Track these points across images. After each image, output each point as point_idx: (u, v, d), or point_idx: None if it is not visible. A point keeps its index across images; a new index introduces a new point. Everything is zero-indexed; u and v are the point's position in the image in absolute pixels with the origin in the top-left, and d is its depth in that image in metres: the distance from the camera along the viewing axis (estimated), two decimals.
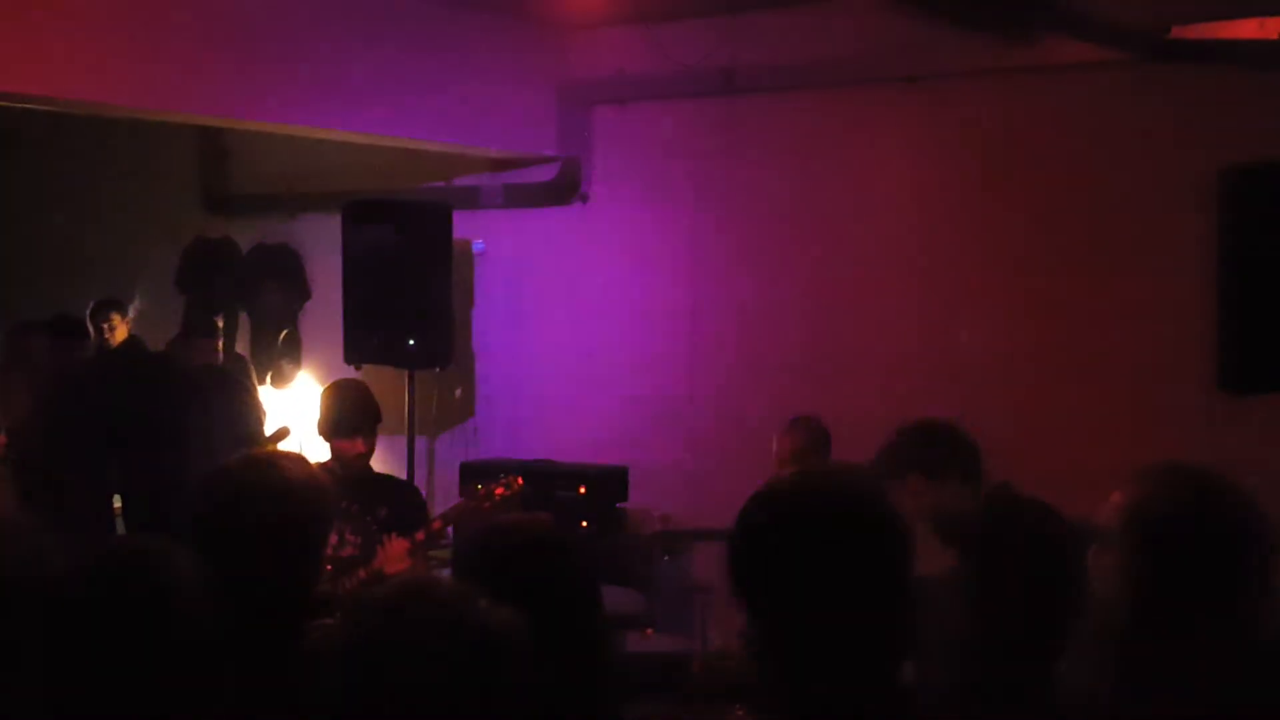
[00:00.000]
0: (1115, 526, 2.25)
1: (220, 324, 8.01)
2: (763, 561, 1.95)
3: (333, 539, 4.15)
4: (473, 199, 7.37)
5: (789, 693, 1.93)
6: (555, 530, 2.80)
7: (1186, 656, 2.14)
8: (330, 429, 5.04)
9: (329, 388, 5.28)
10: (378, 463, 5.19)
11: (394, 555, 4.61)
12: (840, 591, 1.89)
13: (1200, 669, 2.11)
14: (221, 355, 7.68)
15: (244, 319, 8.48)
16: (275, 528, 2.52)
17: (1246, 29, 5.18)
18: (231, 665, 2.18)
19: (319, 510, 2.62)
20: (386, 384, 7.08)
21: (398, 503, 5.00)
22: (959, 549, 2.35)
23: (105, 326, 7.93)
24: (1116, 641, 2.23)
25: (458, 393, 7.52)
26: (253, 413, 7.71)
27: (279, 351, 8.18)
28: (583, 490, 6.54)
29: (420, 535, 4.71)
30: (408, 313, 6.74)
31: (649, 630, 5.84)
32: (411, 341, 6.72)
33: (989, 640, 2.26)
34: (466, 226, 7.33)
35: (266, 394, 7.95)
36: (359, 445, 4.98)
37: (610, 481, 6.69)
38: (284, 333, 8.24)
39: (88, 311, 8.10)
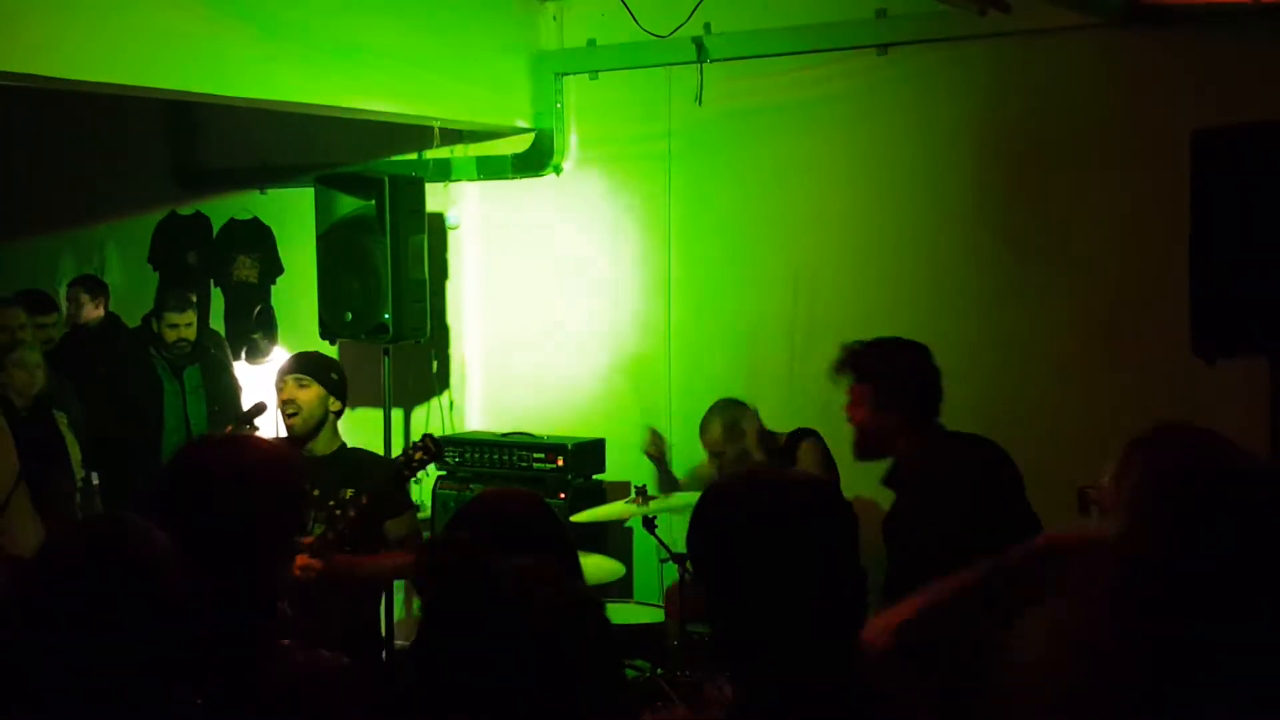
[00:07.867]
0: (1132, 491, 2.15)
1: (194, 300, 7.99)
2: (719, 554, 2.11)
3: None
4: (446, 171, 7.35)
5: (747, 669, 2.10)
6: (538, 501, 2.86)
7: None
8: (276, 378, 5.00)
9: None
10: (355, 437, 5.17)
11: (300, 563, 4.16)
12: (790, 579, 2.05)
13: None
14: (196, 331, 7.66)
15: (218, 295, 8.45)
16: (234, 511, 2.49)
17: None
18: (208, 640, 2.18)
19: (280, 496, 2.58)
20: (362, 358, 7.08)
21: (364, 480, 4.57)
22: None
23: (84, 301, 7.91)
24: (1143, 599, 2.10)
25: (434, 366, 7.52)
26: (228, 389, 7.71)
27: (253, 327, 8.17)
28: (560, 462, 6.55)
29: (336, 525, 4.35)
30: (382, 286, 6.72)
31: (629, 599, 5.88)
32: (386, 315, 6.71)
33: None
34: (440, 199, 7.32)
35: (242, 370, 7.94)
36: (300, 390, 4.88)
37: (588, 453, 6.70)
38: (258, 308, 8.22)
39: (63, 288, 8.09)
